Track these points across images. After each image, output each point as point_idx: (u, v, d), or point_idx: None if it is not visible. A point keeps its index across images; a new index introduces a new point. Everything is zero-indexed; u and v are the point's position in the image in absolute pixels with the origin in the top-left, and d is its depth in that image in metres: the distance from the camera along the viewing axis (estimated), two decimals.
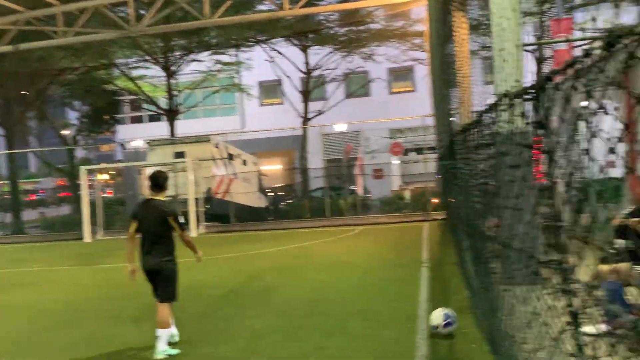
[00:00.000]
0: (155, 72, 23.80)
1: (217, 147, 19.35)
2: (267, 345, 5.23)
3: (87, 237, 16.78)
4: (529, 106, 2.47)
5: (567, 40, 10.30)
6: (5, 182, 31.17)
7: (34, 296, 8.61)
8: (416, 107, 24.04)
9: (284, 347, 5.16)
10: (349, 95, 26.47)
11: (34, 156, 46.17)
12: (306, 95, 23.35)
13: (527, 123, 2.51)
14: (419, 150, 24.40)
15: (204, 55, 23.31)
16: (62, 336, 6.06)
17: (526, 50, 14.87)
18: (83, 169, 17.98)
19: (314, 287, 7.83)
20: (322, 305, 6.72)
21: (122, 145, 32.78)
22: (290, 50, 23.28)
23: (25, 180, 48.82)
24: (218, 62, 23.88)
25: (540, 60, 17.66)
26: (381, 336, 5.28)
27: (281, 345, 5.20)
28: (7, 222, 24.44)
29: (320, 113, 22.97)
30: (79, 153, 38.76)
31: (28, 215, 27.55)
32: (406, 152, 24.63)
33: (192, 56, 23.05)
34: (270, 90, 29.99)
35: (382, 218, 18.28)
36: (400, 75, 29.12)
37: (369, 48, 22.87)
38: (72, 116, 37.72)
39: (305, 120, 22.97)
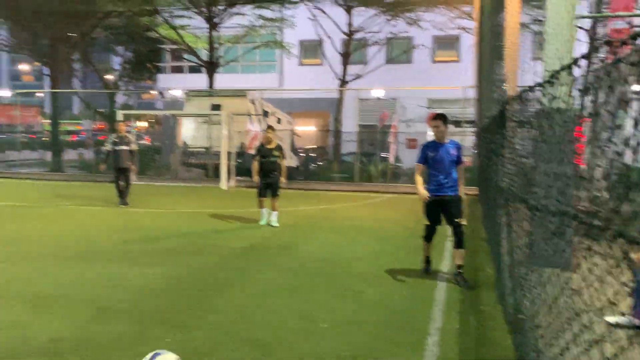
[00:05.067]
0: (198, 22, 23.69)
1: (253, 102, 19.30)
2: (274, 300, 5.24)
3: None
4: (577, 85, 2.32)
5: (627, 16, 9.68)
6: (48, 121, 32.03)
7: (58, 230, 8.86)
8: (459, 78, 23.38)
9: (291, 303, 5.15)
10: (390, 60, 25.88)
11: (78, 98, 47.17)
12: (346, 57, 22.93)
13: (574, 102, 2.35)
14: (457, 123, 23.85)
15: (247, 8, 23.04)
16: (72, 269, 6.22)
17: (580, 27, 14.14)
18: (120, 113, 18.20)
19: (330, 249, 7.80)
20: (336, 266, 6.69)
21: (161, 93, 33.07)
22: (334, 10, 22.79)
23: (67, 121, 50.10)
24: (261, 17, 23.60)
25: (593, 40, 16.79)
26: (392, 304, 5.22)
27: (288, 302, 5.20)
28: (48, 160, 25.17)
29: (358, 77, 22.57)
30: (121, 99, 39.36)
31: (68, 155, 28.28)
32: None
33: (236, 9, 22.81)
34: (311, 49, 29.55)
35: (411, 188, 18.05)
36: (445, 43, 28.20)
37: (415, 13, 22.18)
38: (116, 61, 38.20)
39: (343, 83, 22.63)
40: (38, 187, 16.56)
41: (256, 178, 9.49)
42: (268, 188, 9.49)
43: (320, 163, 23.24)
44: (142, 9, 23.07)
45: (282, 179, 9.52)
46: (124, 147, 11.84)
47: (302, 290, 5.63)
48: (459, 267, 6.04)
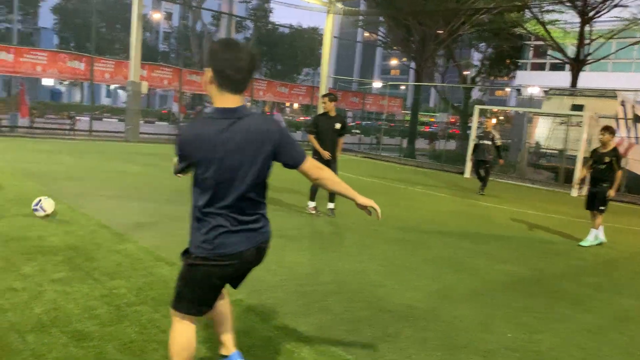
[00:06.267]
0: (569, 17, 22.21)
1: (623, 105, 17.19)
2: (634, 328, 4.61)
3: (468, 173, 17.65)
4: None
5: None
6: (408, 112, 35.21)
7: (407, 211, 9.71)
8: None
9: None
10: None
11: (435, 92, 50.43)
12: None
13: None
14: None
15: None
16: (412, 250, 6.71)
17: None
18: (477, 108, 18.64)
19: None
20: None
21: (517, 91, 32.44)
22: None
23: (423, 113, 54.14)
24: None
25: None
26: None
27: None
28: (403, 147, 27.76)
29: None
30: (474, 94, 40.33)
31: (420, 144, 30.62)
32: None
33: (616, 0, 20.48)
34: None
35: None
36: None
37: None
38: (476, 58, 39.22)
39: None
40: (394, 169, 18.47)
41: (576, 185, 8.57)
42: (594, 199, 8.10)
43: None
44: (511, 5, 22.93)
45: (611, 192, 7.85)
46: (487, 142, 12.93)
47: None
48: None
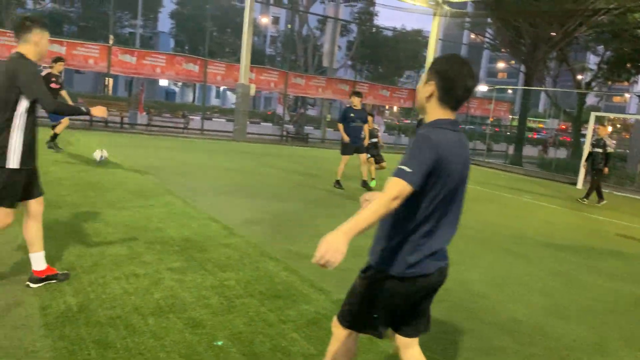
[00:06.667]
0: None
1: None
2: None
3: (580, 183, 16.58)
4: None
5: None
6: (516, 117, 33.68)
7: (514, 221, 9.28)
8: None
9: None
10: None
11: (545, 96, 47.72)
12: None
13: None
14: None
15: None
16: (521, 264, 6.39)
17: None
18: (593, 115, 17.45)
19: None
20: None
21: (639, 97, 29.92)
22: None
23: (532, 118, 51.56)
24: None
25: None
26: None
27: None
28: (509, 153, 26.61)
29: None
30: (589, 100, 37.73)
31: (528, 151, 29.18)
32: None
33: None
34: None
35: None
36: None
37: None
38: (592, 61, 36.65)
39: None
40: (500, 177, 17.76)
41: None
42: None
43: None
44: (637, 5, 21.21)
45: None
46: (599, 150, 12.53)
47: None
48: None
